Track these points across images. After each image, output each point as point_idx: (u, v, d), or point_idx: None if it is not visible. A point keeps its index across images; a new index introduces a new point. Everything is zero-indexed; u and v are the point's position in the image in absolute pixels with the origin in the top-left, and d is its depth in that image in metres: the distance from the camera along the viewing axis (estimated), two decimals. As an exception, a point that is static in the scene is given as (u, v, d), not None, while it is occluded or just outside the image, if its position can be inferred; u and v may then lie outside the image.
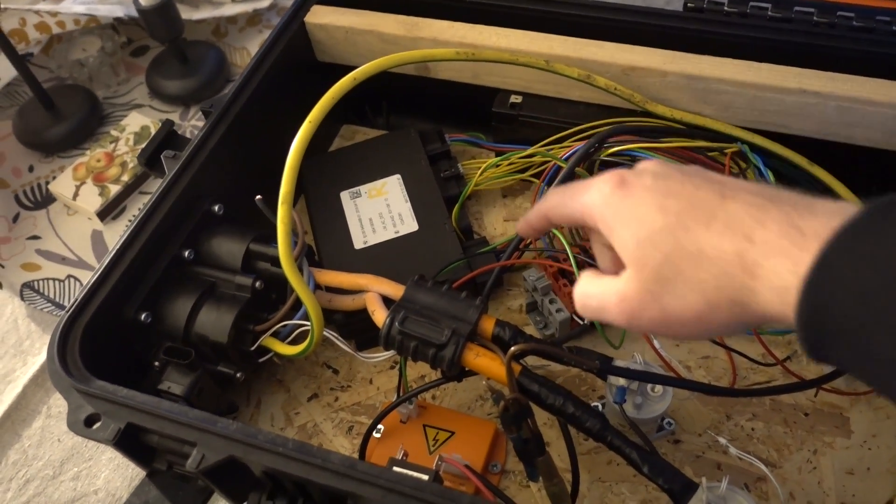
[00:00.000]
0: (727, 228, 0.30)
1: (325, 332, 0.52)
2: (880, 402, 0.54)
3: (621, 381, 0.49)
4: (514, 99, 0.65)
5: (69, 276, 0.72)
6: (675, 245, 0.31)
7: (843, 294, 0.26)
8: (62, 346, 0.47)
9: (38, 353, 0.67)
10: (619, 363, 0.48)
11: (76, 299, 0.49)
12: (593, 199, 0.35)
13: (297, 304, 0.53)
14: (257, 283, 0.53)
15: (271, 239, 0.55)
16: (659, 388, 0.50)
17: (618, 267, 0.36)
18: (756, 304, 0.29)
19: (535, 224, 0.42)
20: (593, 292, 0.36)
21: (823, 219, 0.28)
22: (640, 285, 0.33)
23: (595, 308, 0.36)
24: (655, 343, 0.50)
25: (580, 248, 0.57)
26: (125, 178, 0.76)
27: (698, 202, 0.31)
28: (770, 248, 0.28)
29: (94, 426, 0.44)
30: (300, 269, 0.51)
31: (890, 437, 0.52)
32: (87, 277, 0.70)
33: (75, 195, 0.75)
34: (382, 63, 0.54)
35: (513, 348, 0.45)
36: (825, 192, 0.61)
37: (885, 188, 0.62)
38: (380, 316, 0.50)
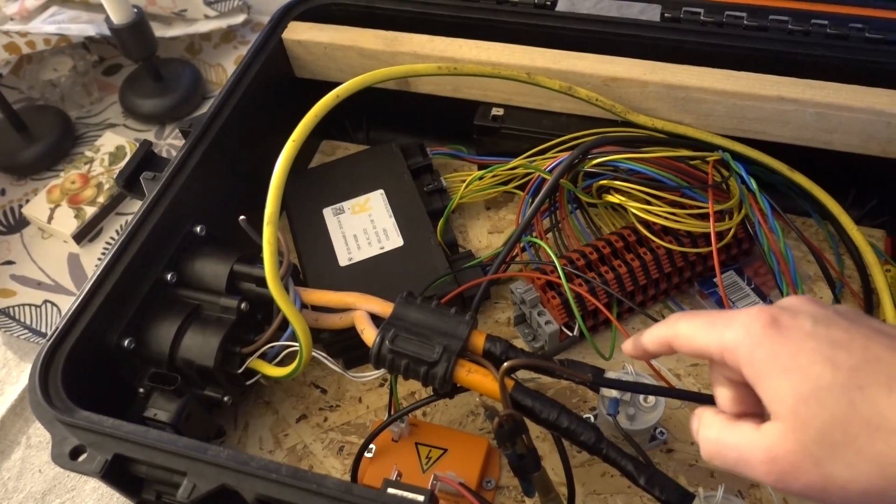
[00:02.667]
0: None
1: (313, 353, 0.51)
2: (867, 404, 0.54)
3: (614, 393, 0.49)
4: (496, 111, 0.65)
5: (46, 302, 0.70)
6: (849, 407, 0.28)
7: None
8: (44, 377, 0.45)
9: (15, 382, 0.65)
10: (610, 374, 0.48)
11: (57, 327, 0.48)
12: (738, 337, 0.32)
13: (284, 324, 0.52)
14: (243, 305, 0.53)
15: (256, 259, 0.54)
16: (651, 398, 0.50)
17: (742, 408, 0.34)
18: None
19: (651, 349, 0.38)
20: (731, 442, 0.32)
21: None
22: (797, 446, 0.29)
23: (733, 460, 0.32)
24: (646, 353, 0.50)
25: (567, 259, 0.57)
26: (101, 199, 0.74)
27: (873, 358, 0.28)
28: None
29: (80, 458, 0.43)
30: (286, 289, 0.51)
31: (878, 438, 0.53)
32: (65, 302, 0.69)
33: (50, 218, 0.74)
34: (365, 79, 0.54)
35: (505, 364, 0.45)
36: (805, 196, 0.61)
37: (863, 192, 0.64)
38: (369, 335, 0.50)
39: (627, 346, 0.41)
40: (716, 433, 0.34)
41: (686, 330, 0.35)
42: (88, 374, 0.48)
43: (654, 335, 0.38)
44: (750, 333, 0.31)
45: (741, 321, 0.32)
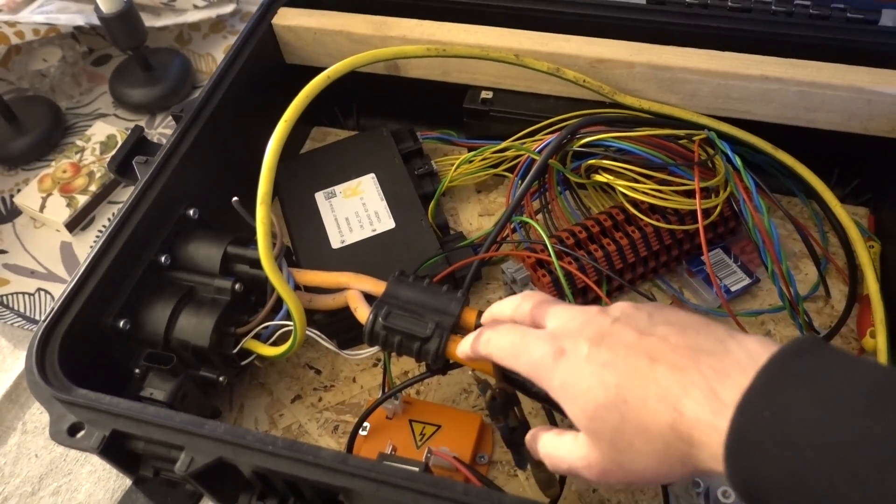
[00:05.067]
0: (660, 402, 0.32)
1: (307, 332, 0.52)
2: (852, 376, 0.56)
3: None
4: (485, 95, 0.66)
5: (39, 290, 0.70)
6: (621, 420, 0.34)
7: (756, 462, 0.29)
8: (40, 356, 0.46)
9: (9, 370, 0.65)
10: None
11: (52, 308, 0.48)
12: (538, 364, 0.37)
13: (278, 305, 0.52)
14: (237, 286, 0.53)
15: (248, 242, 0.55)
16: (640, 371, 0.50)
17: None
18: (702, 463, 0.32)
19: (473, 357, 0.44)
20: (560, 456, 0.38)
21: (737, 377, 0.31)
22: (600, 454, 0.35)
23: (567, 470, 0.38)
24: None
25: (556, 238, 0.58)
26: (93, 188, 0.75)
27: (631, 371, 0.34)
28: (697, 420, 0.31)
29: (78, 435, 0.43)
30: (280, 269, 0.51)
31: (863, 409, 0.54)
32: (58, 290, 0.69)
33: (42, 207, 0.74)
34: (356, 60, 0.54)
35: (497, 338, 0.46)
36: (790, 175, 0.62)
37: (846, 172, 0.65)
38: (362, 312, 0.50)
39: (461, 347, 0.45)
40: (549, 447, 0.40)
41: (497, 352, 0.41)
42: (84, 355, 0.49)
43: (474, 353, 0.43)
44: (543, 363, 0.37)
45: (536, 347, 0.38)
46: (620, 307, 0.38)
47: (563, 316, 0.39)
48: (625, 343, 0.35)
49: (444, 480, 0.40)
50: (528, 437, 0.43)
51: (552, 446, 0.39)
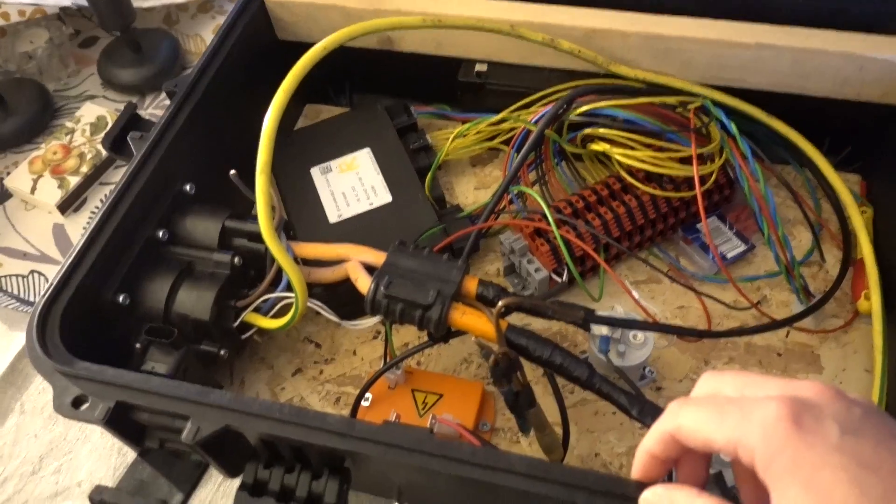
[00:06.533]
0: None
1: (308, 303, 0.52)
2: (847, 338, 0.56)
3: (604, 331, 0.50)
4: (480, 68, 0.66)
5: (32, 272, 0.70)
6: None
7: None
8: (41, 330, 0.46)
9: (5, 351, 0.65)
10: (601, 314, 0.49)
11: (51, 283, 0.48)
12: (754, 433, 0.28)
13: (278, 278, 0.52)
14: (236, 259, 0.53)
15: (246, 216, 0.55)
16: (640, 335, 0.51)
17: (752, 500, 0.32)
18: None
19: (660, 453, 0.33)
20: None
21: None
22: None
23: None
24: (635, 294, 0.52)
25: (554, 207, 0.58)
26: (84, 169, 0.74)
27: None
28: None
29: (82, 407, 0.43)
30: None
31: (858, 370, 0.55)
32: (52, 272, 0.69)
33: (33, 189, 0.73)
34: (352, 31, 0.54)
35: (500, 303, 0.46)
36: (783, 144, 0.63)
37: (837, 140, 0.65)
38: (364, 282, 0.50)
39: (637, 469, 0.34)
40: None
41: (691, 422, 0.31)
42: (85, 330, 0.48)
43: (657, 433, 0.33)
44: (767, 429, 0.28)
45: (759, 419, 0.28)
46: (856, 396, 0.30)
47: (783, 384, 0.30)
48: (890, 447, 0.27)
49: (451, 443, 0.40)
50: (656, 493, 0.32)
51: None
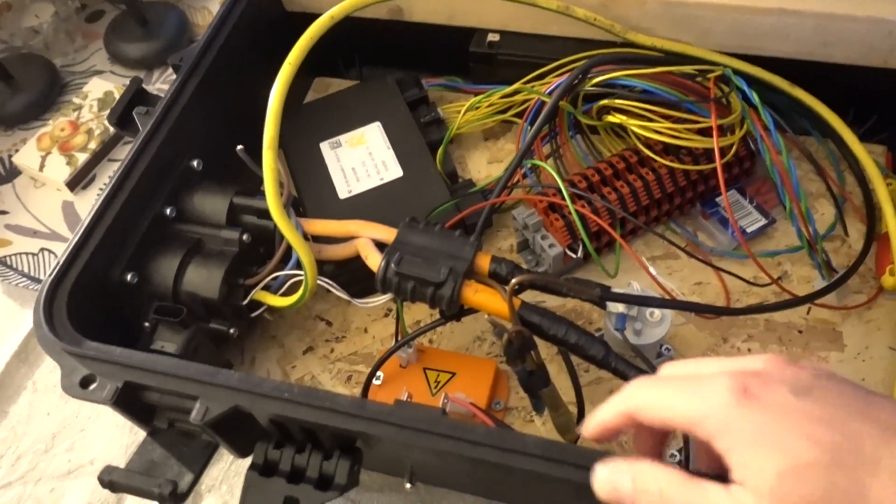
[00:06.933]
0: (893, 480, 0.26)
1: (318, 281, 0.51)
2: (871, 314, 0.55)
3: (620, 309, 0.49)
4: (492, 38, 0.64)
5: (42, 249, 0.69)
6: (831, 487, 0.26)
7: None
8: (48, 309, 0.45)
9: (17, 329, 0.65)
10: (617, 291, 0.48)
11: (58, 262, 0.47)
12: (708, 408, 0.29)
13: (287, 255, 0.51)
14: (244, 236, 0.52)
15: (254, 192, 0.54)
16: (657, 313, 0.50)
17: (703, 468, 0.32)
18: None
19: (612, 425, 0.33)
20: (685, 501, 0.29)
21: None
22: None
23: None
24: (652, 270, 0.50)
25: (569, 181, 0.56)
26: (92, 145, 0.73)
27: (854, 436, 0.27)
28: None
29: (91, 387, 0.42)
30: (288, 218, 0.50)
31: (882, 347, 0.53)
32: (62, 249, 0.68)
33: (41, 166, 0.72)
34: (360, 0, 0.52)
35: (513, 280, 0.45)
36: (805, 114, 0.61)
37: (862, 109, 0.63)
38: (374, 260, 0.49)
39: (587, 429, 0.34)
40: (670, 490, 0.30)
41: (645, 396, 0.32)
42: (94, 309, 0.48)
43: (611, 408, 0.33)
44: (720, 403, 0.29)
45: (709, 388, 0.30)
46: (808, 363, 0.31)
47: (732, 361, 0.32)
48: (841, 403, 0.28)
49: (465, 424, 0.39)
50: (616, 469, 0.32)
51: (677, 487, 0.30)
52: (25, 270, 0.68)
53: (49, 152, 0.73)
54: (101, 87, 0.77)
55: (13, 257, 0.69)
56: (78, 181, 0.73)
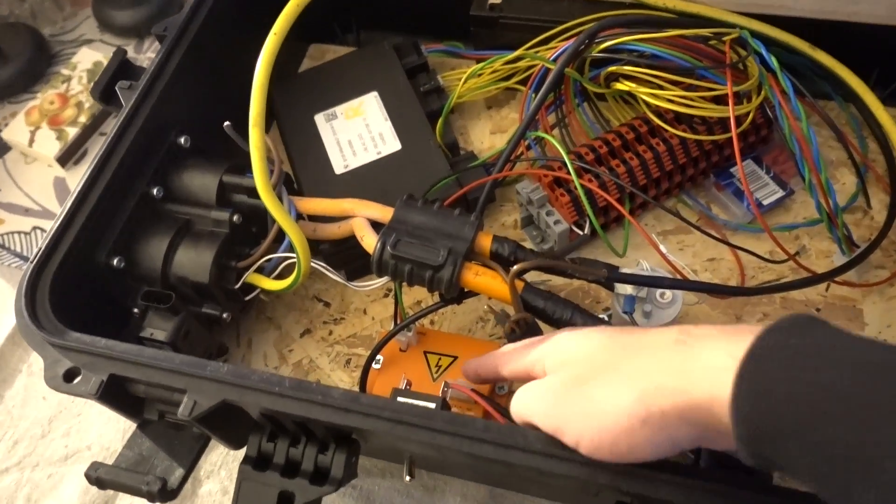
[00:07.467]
0: (621, 375, 0.33)
1: (312, 263, 0.49)
2: (893, 291, 0.52)
3: (629, 290, 0.47)
4: (494, 0, 0.60)
5: (35, 228, 0.68)
6: (591, 368, 0.35)
7: (774, 382, 0.27)
8: (30, 299, 0.43)
9: (10, 311, 0.62)
10: (625, 271, 0.46)
11: (39, 248, 0.45)
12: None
13: (280, 235, 0.49)
14: (235, 217, 0.50)
15: (245, 169, 0.51)
16: (668, 293, 0.47)
17: None
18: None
19: (483, 374, 0.44)
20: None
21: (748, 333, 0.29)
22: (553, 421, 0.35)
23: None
24: (662, 248, 0.48)
25: (575, 154, 0.54)
26: (83, 119, 0.71)
27: (607, 349, 0.35)
28: (704, 338, 0.31)
29: (75, 381, 0.41)
30: (280, 199, 0.48)
31: (905, 325, 0.51)
32: (54, 227, 0.66)
33: (31, 141, 0.70)
34: (349, -36, 0.49)
35: (515, 267, 0.43)
36: (826, 77, 0.57)
37: (887, 71, 0.59)
38: (369, 241, 0.47)
39: (465, 368, 0.45)
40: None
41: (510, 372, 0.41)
42: (78, 295, 0.46)
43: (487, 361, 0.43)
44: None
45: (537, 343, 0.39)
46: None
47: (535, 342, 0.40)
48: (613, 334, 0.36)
49: (462, 418, 0.37)
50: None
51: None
52: (18, 250, 0.66)
53: (38, 127, 0.71)
54: (90, 58, 0.75)
55: (6, 236, 0.67)
56: (69, 156, 0.70)
